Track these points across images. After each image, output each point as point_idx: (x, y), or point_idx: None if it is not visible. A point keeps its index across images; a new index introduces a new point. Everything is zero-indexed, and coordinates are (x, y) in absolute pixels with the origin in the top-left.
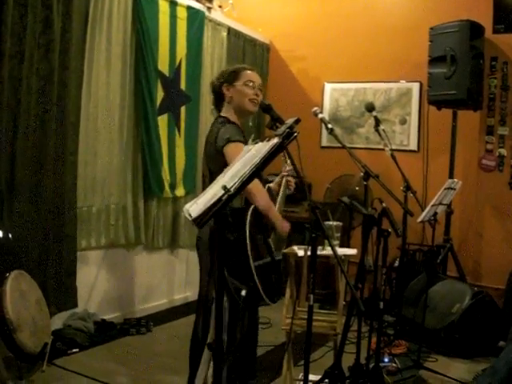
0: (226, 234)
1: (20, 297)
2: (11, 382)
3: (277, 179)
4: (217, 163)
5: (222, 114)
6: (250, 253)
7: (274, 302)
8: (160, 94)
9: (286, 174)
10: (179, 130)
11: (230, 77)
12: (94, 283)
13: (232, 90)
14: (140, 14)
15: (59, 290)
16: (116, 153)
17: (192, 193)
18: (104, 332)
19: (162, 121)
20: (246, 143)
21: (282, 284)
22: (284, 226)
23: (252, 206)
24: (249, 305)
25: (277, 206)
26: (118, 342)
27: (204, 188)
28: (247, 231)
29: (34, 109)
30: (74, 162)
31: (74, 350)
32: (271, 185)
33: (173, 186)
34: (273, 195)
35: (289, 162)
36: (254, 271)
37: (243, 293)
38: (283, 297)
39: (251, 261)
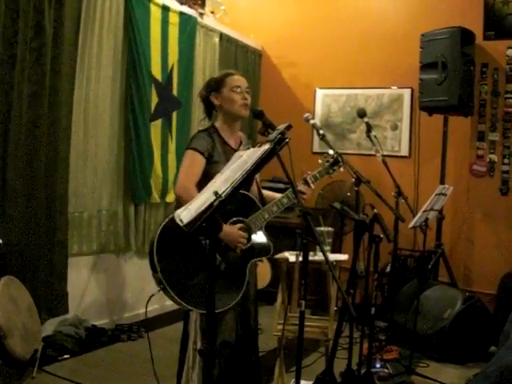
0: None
1: (10, 303)
2: None
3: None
4: None
5: (214, 123)
6: (155, 259)
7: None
8: (154, 100)
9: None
10: (171, 136)
11: (216, 85)
12: (84, 289)
13: (220, 98)
14: (132, 20)
15: (50, 295)
16: (107, 158)
17: None
18: (95, 338)
19: (156, 126)
20: (225, 151)
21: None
22: (225, 237)
23: None
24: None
25: (259, 211)
26: (109, 348)
27: None
28: (156, 237)
29: (25, 114)
30: (65, 168)
31: (65, 357)
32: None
33: (164, 192)
34: (243, 201)
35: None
36: (161, 276)
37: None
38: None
39: (157, 264)
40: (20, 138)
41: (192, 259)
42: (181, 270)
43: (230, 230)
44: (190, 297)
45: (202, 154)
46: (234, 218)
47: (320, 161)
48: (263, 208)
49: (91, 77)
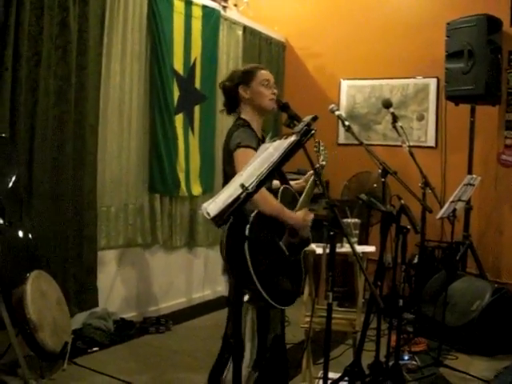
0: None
1: (40, 297)
2: (33, 381)
3: (305, 176)
4: (231, 167)
5: (242, 115)
6: (248, 257)
7: (285, 305)
8: (176, 94)
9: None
10: (193, 130)
11: (245, 78)
12: (113, 282)
13: (249, 92)
14: (155, 14)
15: (80, 289)
16: (133, 152)
17: (209, 192)
18: (123, 331)
19: (179, 120)
20: (259, 145)
21: (299, 287)
22: (302, 223)
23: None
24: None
25: (298, 205)
26: (138, 340)
27: None
28: (246, 235)
29: (51, 110)
30: (93, 163)
31: (94, 349)
32: (294, 183)
33: (188, 185)
34: (291, 195)
35: (322, 157)
36: (254, 276)
37: (245, 298)
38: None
39: (250, 264)
40: (46, 133)
41: (271, 257)
42: (267, 267)
43: (299, 215)
44: (277, 295)
45: (256, 150)
46: None
47: (315, 149)
48: (301, 200)
49: (116, 72)
